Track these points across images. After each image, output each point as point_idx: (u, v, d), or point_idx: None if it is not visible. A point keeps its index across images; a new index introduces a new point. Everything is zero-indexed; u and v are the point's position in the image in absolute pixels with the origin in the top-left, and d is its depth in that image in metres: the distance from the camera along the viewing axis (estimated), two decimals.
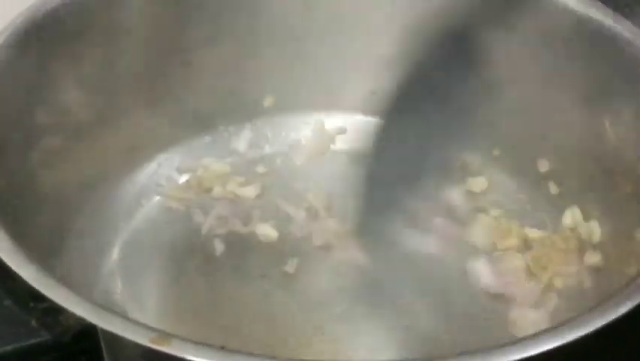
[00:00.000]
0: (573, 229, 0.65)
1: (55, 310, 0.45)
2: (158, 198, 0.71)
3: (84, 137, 0.66)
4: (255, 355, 0.40)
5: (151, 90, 0.70)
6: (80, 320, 0.42)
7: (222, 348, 0.40)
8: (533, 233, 0.66)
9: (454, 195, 0.71)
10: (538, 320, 0.60)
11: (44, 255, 0.56)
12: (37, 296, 0.44)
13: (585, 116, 0.63)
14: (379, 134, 0.76)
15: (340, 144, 0.78)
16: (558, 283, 0.63)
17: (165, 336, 0.40)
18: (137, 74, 0.69)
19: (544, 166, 0.69)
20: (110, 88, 0.67)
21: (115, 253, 0.66)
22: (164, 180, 0.73)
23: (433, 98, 0.72)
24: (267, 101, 0.77)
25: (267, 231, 0.69)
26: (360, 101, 0.78)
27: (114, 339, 0.42)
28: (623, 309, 0.41)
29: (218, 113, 0.76)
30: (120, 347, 0.44)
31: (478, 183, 0.72)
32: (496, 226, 0.67)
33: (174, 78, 0.72)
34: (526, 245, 0.66)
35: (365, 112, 0.78)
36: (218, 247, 0.68)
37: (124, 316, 0.42)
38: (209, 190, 0.73)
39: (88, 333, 0.43)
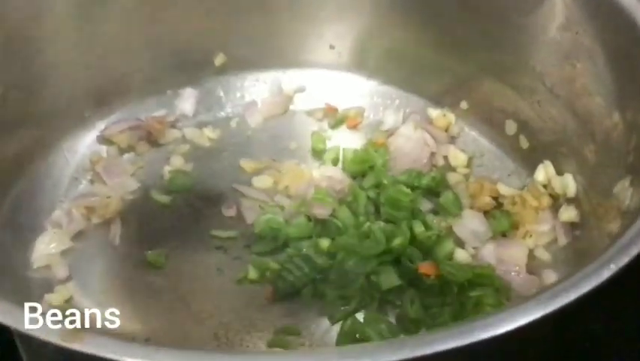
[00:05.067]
0: (546, 185, 0.61)
1: None
2: (96, 171, 0.66)
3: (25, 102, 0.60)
4: (179, 349, 0.35)
5: (88, 52, 0.64)
6: None
7: (147, 341, 0.36)
8: (505, 190, 0.62)
9: None
10: None
11: None
12: None
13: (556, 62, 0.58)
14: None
15: (300, 103, 0.73)
16: (530, 242, 0.59)
17: (76, 332, 0.35)
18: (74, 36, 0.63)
19: (511, 129, 0.65)
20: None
21: (51, 231, 0.61)
22: (104, 152, 0.67)
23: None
24: (218, 60, 0.72)
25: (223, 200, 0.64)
26: (318, 57, 0.73)
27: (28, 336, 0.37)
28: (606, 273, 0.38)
29: (165, 74, 0.70)
30: (34, 343, 0.39)
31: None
32: (466, 185, 0.63)
33: (114, 38, 0.65)
34: (498, 203, 0.62)
35: (325, 67, 0.73)
36: (168, 218, 0.63)
37: (32, 307, 0.37)
38: (158, 158, 0.68)
39: (2, 330, 0.39)
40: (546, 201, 0.60)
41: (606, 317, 0.54)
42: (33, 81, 0.61)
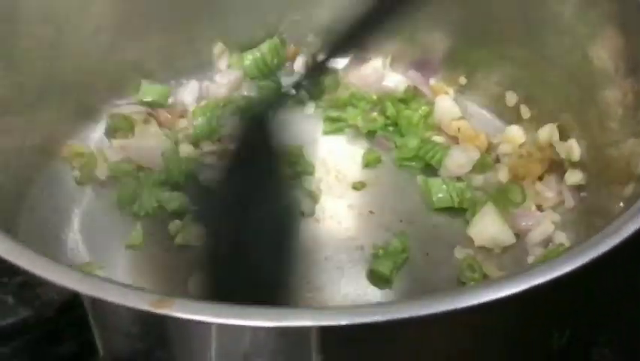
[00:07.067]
0: (550, 146, 0.63)
1: (32, 284, 0.40)
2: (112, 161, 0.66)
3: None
4: (265, 307, 0.36)
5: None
6: (62, 291, 0.38)
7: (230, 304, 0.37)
8: (506, 148, 0.65)
9: None
10: None
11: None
12: (10, 271, 0.39)
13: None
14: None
15: None
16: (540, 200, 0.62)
17: (166, 299, 0.36)
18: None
19: (512, 99, 0.67)
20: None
21: (76, 220, 0.62)
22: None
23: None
24: (218, 48, 0.72)
25: None
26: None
27: (104, 308, 0.38)
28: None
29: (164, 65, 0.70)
30: (111, 316, 0.40)
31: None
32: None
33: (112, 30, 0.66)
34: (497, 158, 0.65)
35: None
36: (182, 201, 0.63)
37: (116, 282, 0.38)
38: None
39: (72, 304, 0.39)
40: (549, 152, 0.62)
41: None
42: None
